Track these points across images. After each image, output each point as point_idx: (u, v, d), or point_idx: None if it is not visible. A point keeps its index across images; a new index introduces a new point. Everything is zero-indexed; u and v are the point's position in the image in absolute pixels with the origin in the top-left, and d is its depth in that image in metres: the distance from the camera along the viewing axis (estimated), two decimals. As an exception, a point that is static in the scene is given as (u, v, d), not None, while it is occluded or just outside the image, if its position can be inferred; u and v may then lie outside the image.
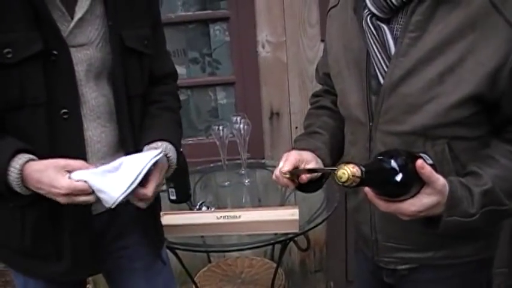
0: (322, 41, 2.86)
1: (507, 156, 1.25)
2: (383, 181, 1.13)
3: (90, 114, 1.46)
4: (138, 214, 1.59)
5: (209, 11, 3.09)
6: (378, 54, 1.30)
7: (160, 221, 1.79)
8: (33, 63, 1.33)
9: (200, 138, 3.21)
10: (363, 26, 1.32)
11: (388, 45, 1.28)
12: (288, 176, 1.33)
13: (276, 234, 2.10)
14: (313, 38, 2.94)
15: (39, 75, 1.35)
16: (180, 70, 3.10)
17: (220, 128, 2.50)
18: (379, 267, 1.53)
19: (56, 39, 1.36)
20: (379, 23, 1.29)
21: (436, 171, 1.17)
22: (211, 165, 2.84)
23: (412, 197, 1.15)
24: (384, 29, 1.28)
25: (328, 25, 1.52)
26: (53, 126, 1.38)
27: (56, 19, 1.36)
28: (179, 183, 2.35)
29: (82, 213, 1.47)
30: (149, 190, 1.43)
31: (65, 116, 1.40)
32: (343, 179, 1.06)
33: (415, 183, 1.14)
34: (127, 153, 1.48)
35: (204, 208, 2.33)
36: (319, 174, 1.41)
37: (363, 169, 1.07)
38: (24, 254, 1.50)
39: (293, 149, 1.45)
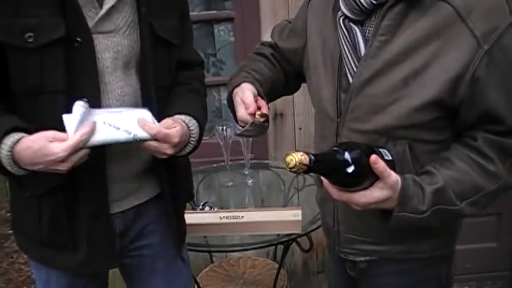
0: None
1: (463, 159, 1.28)
2: (335, 171, 1.17)
3: (115, 104, 1.44)
4: (161, 213, 1.61)
5: (214, 11, 3.11)
6: (349, 55, 1.34)
7: (183, 220, 1.78)
8: (54, 49, 1.32)
9: (204, 138, 3.20)
10: (337, 26, 1.36)
11: (359, 46, 1.32)
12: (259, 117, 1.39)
13: (278, 235, 2.11)
14: (318, 39, 2.94)
15: (60, 61, 1.34)
16: (184, 70, 3.13)
17: (224, 128, 2.51)
18: (341, 259, 1.57)
19: (80, 26, 1.35)
20: (351, 24, 1.32)
21: (394, 167, 1.23)
22: (215, 165, 2.85)
23: (365, 189, 1.20)
24: (355, 30, 1.32)
25: (309, 15, 1.53)
26: None
27: (82, 5, 1.36)
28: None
29: (98, 202, 1.48)
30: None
31: None
32: (291, 165, 1.09)
33: (368, 176, 1.18)
34: None
35: (207, 208, 2.34)
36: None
37: (312, 158, 1.10)
38: (42, 244, 1.50)
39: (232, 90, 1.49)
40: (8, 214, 4.96)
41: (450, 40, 1.21)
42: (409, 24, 1.25)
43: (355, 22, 1.33)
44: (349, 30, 1.33)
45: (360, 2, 1.28)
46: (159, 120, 1.43)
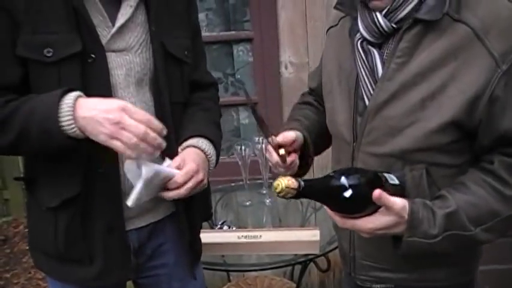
0: (345, 62, 2.90)
1: (478, 184, 1.25)
2: (331, 196, 1.15)
3: None
4: (177, 232, 1.62)
5: (233, 32, 3.15)
6: (366, 78, 1.33)
7: (199, 239, 1.79)
8: (71, 63, 1.37)
9: (222, 157, 3.21)
10: (355, 49, 1.36)
11: (377, 68, 1.31)
12: (280, 151, 1.39)
13: (296, 254, 2.10)
14: (336, 60, 2.97)
15: (76, 75, 1.38)
16: (203, 90, 3.17)
17: (243, 147, 2.52)
18: (357, 285, 1.54)
19: (94, 43, 1.40)
20: (369, 47, 1.32)
21: (403, 190, 1.24)
22: (233, 184, 2.86)
23: (369, 214, 1.18)
24: (373, 53, 1.31)
25: (327, 44, 1.56)
26: None
27: (96, 24, 1.41)
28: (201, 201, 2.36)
29: (112, 217, 1.49)
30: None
31: None
32: (278, 190, 1.09)
33: (369, 202, 1.15)
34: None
35: (225, 227, 2.35)
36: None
37: (302, 183, 1.10)
38: (58, 258, 1.52)
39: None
40: (26, 230, 5.01)
41: (467, 60, 1.21)
42: (426, 45, 1.25)
43: (373, 45, 1.33)
44: (367, 53, 1.33)
45: (381, 26, 1.28)
46: (176, 140, 1.50)
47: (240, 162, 2.55)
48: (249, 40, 3.14)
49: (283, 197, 1.11)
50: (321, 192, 1.16)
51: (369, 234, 1.21)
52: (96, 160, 1.42)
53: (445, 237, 1.21)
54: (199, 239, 1.78)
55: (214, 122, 1.69)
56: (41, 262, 1.61)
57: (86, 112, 1.28)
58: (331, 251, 2.14)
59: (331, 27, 1.55)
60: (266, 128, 1.42)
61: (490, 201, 1.23)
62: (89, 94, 1.36)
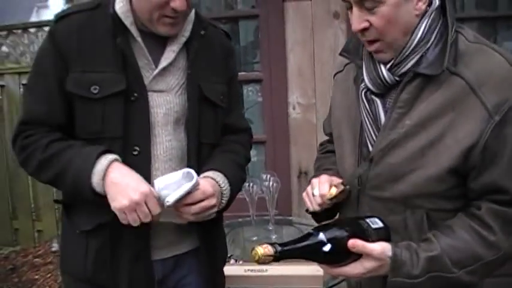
0: (351, 104, 2.99)
1: (464, 228, 1.31)
2: (312, 253, 1.24)
3: (163, 155, 1.58)
4: (200, 266, 1.69)
5: (243, 73, 3.25)
6: (369, 126, 1.41)
7: (222, 274, 1.85)
8: (115, 101, 1.51)
9: (230, 193, 3.29)
10: (359, 97, 1.43)
11: (379, 117, 1.39)
12: (332, 189, 1.42)
13: (300, 288, 2.16)
14: (342, 102, 3.06)
15: (119, 112, 1.51)
16: (213, 128, 3.25)
17: (251, 184, 2.59)
18: None
19: (138, 84, 1.54)
20: (373, 97, 1.40)
21: (387, 232, 1.31)
22: (240, 219, 2.91)
23: (355, 260, 1.26)
24: (377, 102, 1.39)
25: (334, 89, 1.63)
26: (126, 160, 1.51)
27: (141, 66, 1.55)
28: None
29: (140, 245, 1.57)
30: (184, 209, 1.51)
31: (135, 153, 1.53)
32: (256, 258, 1.18)
33: (350, 251, 1.24)
34: None
35: (232, 261, 2.39)
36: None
37: (278, 248, 1.19)
38: (86, 282, 1.60)
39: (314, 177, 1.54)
40: (35, 259, 5.07)
41: (463, 112, 1.27)
42: (425, 97, 1.32)
43: (377, 94, 1.40)
44: (371, 102, 1.40)
45: (385, 79, 1.36)
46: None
47: (247, 199, 2.61)
48: (258, 81, 3.25)
49: (263, 263, 1.19)
50: (301, 251, 1.23)
51: (357, 278, 1.28)
52: None
53: (429, 277, 1.28)
54: (222, 273, 1.85)
55: (236, 163, 1.73)
56: (69, 285, 1.69)
57: (118, 178, 1.44)
58: (335, 285, 2.18)
59: (338, 72, 1.62)
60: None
61: (474, 245, 1.29)
62: (129, 130, 1.50)
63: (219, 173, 1.62)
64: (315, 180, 1.48)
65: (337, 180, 1.47)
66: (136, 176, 1.45)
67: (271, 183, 2.59)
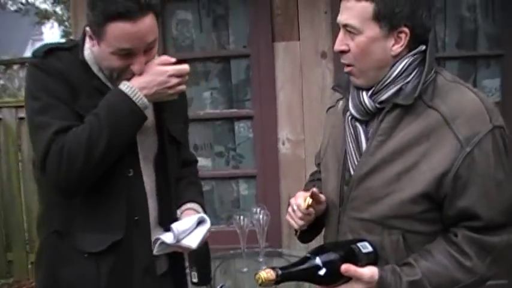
0: (338, 140, 3.10)
1: (443, 253, 1.40)
2: (309, 276, 1.37)
3: None
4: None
5: (235, 110, 3.38)
6: (352, 151, 1.51)
7: None
8: None
9: (222, 226, 3.40)
10: (345, 126, 1.55)
11: (361, 143, 1.50)
12: (308, 199, 1.54)
13: (289, 318, 2.22)
14: (330, 137, 3.17)
15: None
16: (206, 162, 3.38)
17: (241, 217, 2.66)
18: None
19: None
20: (357, 123, 1.51)
21: (376, 256, 1.42)
22: (231, 252, 2.96)
23: (345, 282, 1.38)
24: (359, 129, 1.50)
25: (325, 122, 1.75)
26: (121, 180, 1.65)
27: None
28: (201, 267, 2.49)
29: (148, 257, 1.70)
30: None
31: (130, 174, 1.68)
32: (259, 282, 1.30)
33: (342, 274, 1.36)
34: (165, 229, 1.72)
35: (223, 291, 2.47)
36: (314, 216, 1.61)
37: (279, 272, 1.31)
38: None
39: None
40: None
41: (438, 142, 1.38)
42: (403, 126, 1.42)
43: (361, 122, 1.51)
44: (355, 129, 1.51)
45: (366, 105, 1.47)
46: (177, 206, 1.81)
47: (238, 231, 2.67)
48: (250, 117, 3.36)
49: (266, 286, 1.31)
50: (299, 274, 1.36)
51: None
52: (133, 208, 1.66)
53: None
54: None
55: (201, 193, 1.97)
56: None
57: (148, 92, 1.60)
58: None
59: (330, 107, 1.74)
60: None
61: (452, 270, 1.39)
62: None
63: (197, 205, 1.82)
64: (291, 200, 1.61)
65: (312, 191, 1.56)
66: (147, 74, 1.61)
67: (261, 216, 2.66)
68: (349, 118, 1.53)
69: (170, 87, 1.62)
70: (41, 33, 18.58)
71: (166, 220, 1.75)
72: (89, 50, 1.64)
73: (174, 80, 1.61)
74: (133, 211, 1.66)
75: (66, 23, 12.93)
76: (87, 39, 1.63)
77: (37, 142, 1.57)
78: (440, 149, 1.38)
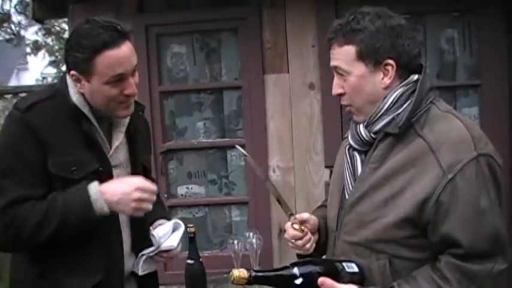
0: (326, 167, 3.23)
1: (426, 279, 1.41)
2: (284, 283, 1.39)
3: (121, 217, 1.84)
4: None
5: (227, 139, 3.47)
6: (349, 178, 1.59)
7: None
8: (90, 178, 1.70)
9: (215, 251, 3.48)
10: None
11: (357, 171, 1.57)
12: (295, 225, 1.63)
13: None
14: (318, 165, 3.31)
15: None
16: (200, 190, 3.48)
17: (235, 242, 2.77)
18: None
19: (104, 161, 1.77)
20: (354, 152, 1.58)
21: (362, 278, 1.46)
22: (225, 275, 2.99)
23: None
24: (356, 158, 1.57)
25: (338, 152, 1.79)
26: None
27: (101, 143, 1.78)
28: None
29: None
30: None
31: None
32: (231, 279, 1.35)
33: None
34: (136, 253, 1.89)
35: (218, 313, 2.55)
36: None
37: (253, 273, 1.36)
38: None
39: None
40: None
41: (422, 169, 1.41)
42: (393, 154, 1.47)
43: (360, 152, 1.57)
44: (352, 158, 1.59)
45: (362, 135, 1.54)
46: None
47: (233, 255, 2.77)
48: (241, 146, 3.37)
49: (237, 283, 1.36)
50: (274, 279, 1.40)
51: None
52: (114, 249, 1.78)
53: None
54: None
55: (165, 209, 2.24)
56: None
57: (110, 197, 1.66)
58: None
59: (344, 138, 1.78)
60: (285, 205, 1.69)
61: None
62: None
63: (166, 220, 1.97)
64: (285, 235, 1.69)
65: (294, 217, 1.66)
66: (121, 183, 1.70)
67: (254, 240, 2.76)
68: (347, 148, 1.60)
69: (133, 200, 1.66)
70: (26, 63, 18.41)
71: (139, 246, 1.89)
72: (77, 94, 1.71)
73: (137, 194, 1.66)
74: (112, 251, 1.78)
75: (57, 54, 13.02)
76: (72, 85, 1.72)
77: None
78: (424, 176, 1.41)
